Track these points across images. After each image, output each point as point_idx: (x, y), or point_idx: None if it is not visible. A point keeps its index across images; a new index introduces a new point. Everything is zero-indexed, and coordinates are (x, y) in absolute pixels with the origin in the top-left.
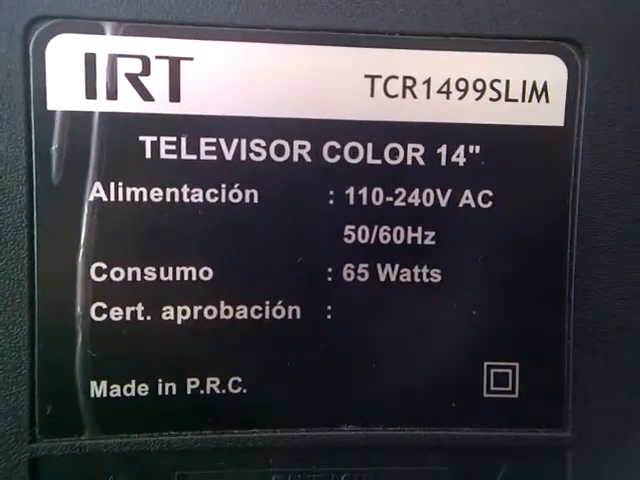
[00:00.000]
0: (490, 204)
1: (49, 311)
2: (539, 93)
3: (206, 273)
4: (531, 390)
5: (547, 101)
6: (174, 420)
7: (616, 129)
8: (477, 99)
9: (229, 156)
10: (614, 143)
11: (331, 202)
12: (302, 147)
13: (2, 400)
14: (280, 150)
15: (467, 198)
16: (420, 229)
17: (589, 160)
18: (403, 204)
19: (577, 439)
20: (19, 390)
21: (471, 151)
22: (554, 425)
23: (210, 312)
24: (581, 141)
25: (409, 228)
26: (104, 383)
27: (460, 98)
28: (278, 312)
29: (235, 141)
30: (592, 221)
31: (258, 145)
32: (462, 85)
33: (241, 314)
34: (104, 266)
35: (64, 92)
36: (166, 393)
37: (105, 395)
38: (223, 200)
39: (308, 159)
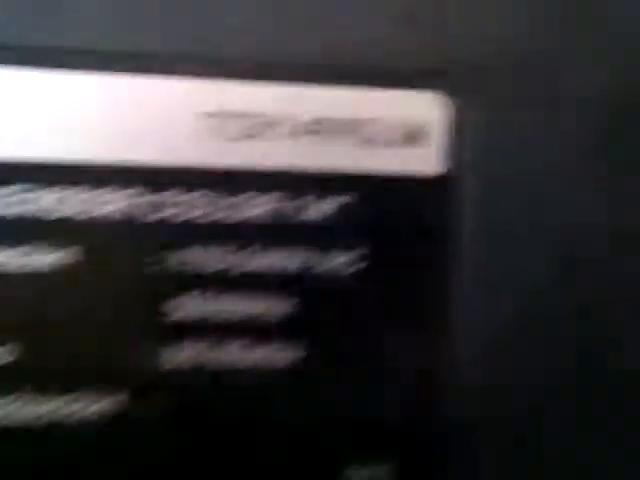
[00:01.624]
0: (355, 269)
1: None
2: (413, 136)
3: (11, 352)
4: None
5: (422, 145)
6: None
7: (504, 172)
8: (339, 142)
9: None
10: (501, 188)
11: (155, 268)
12: (110, 202)
13: None
14: (82, 204)
15: (331, 261)
16: (269, 302)
17: (474, 211)
18: (248, 270)
19: None
20: None
21: (330, 205)
22: None
23: (15, 400)
24: (466, 189)
25: (254, 301)
26: None
27: (317, 141)
28: (97, 400)
29: (39, 193)
30: (476, 293)
31: (68, 197)
32: (315, 126)
33: (52, 401)
34: None
35: None
36: None
37: None
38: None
39: (120, 216)
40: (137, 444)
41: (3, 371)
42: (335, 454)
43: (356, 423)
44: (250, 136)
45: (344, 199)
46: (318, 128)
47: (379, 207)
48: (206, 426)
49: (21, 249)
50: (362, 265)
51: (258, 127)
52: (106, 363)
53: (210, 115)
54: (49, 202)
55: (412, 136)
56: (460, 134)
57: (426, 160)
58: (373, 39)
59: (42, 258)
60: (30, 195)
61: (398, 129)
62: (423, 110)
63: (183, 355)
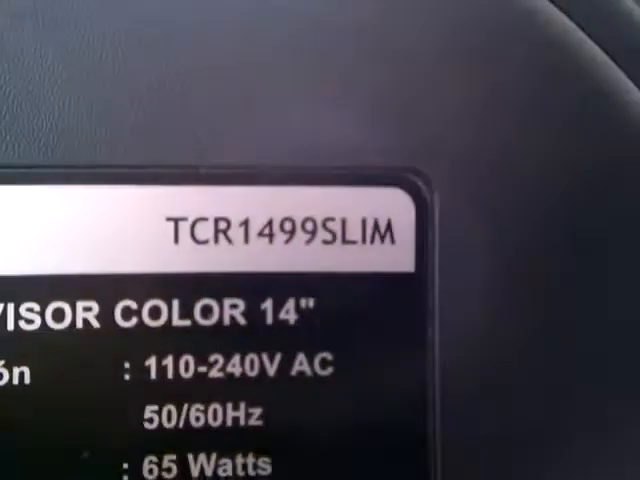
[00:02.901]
0: (330, 370)
1: None
2: (382, 233)
3: None
4: None
5: (393, 242)
6: None
7: (475, 274)
8: (307, 242)
9: None
10: (473, 289)
11: (127, 377)
12: (88, 309)
13: None
14: (59, 315)
15: (301, 364)
16: (243, 406)
17: (447, 312)
18: (220, 375)
19: None
20: None
21: (303, 305)
22: None
23: None
24: (436, 289)
25: (229, 405)
26: None
27: (286, 241)
28: None
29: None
30: (458, 395)
31: (30, 310)
32: (288, 226)
33: None
34: None
35: None
36: None
37: None
38: None
39: (96, 324)
40: None
41: None
42: None
43: None
44: (217, 239)
45: (312, 300)
46: (289, 228)
47: (347, 308)
48: None
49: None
50: (332, 370)
51: (225, 230)
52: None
53: (178, 219)
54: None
55: (380, 234)
56: (427, 231)
57: (395, 258)
58: (342, 141)
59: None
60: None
61: (367, 227)
62: (391, 207)
63: (161, 466)
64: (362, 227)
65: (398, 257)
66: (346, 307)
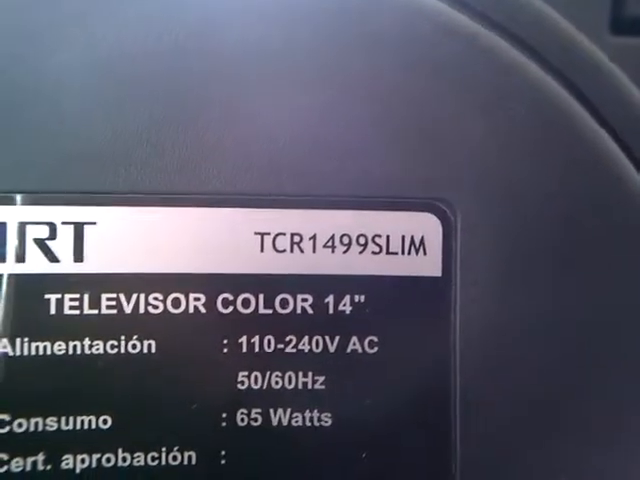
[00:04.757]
0: (376, 349)
1: None
2: (417, 246)
3: (105, 421)
4: None
5: (425, 253)
6: None
7: (488, 277)
8: (360, 252)
9: (128, 310)
10: (487, 289)
11: (225, 350)
12: (197, 299)
13: None
14: (176, 303)
15: (354, 344)
16: (310, 374)
17: (466, 306)
18: (294, 350)
19: None
20: None
21: (356, 300)
22: None
23: (108, 460)
24: (458, 289)
25: (300, 373)
26: None
27: (344, 252)
28: (174, 458)
29: (134, 296)
30: (473, 368)
31: (156, 299)
32: (346, 240)
33: (138, 461)
34: (7, 418)
35: None
36: None
37: None
38: (122, 351)
39: (203, 310)
40: None
41: (99, 435)
42: None
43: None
44: (292, 249)
45: (363, 296)
46: (347, 242)
47: (389, 302)
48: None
49: (112, 342)
50: (377, 349)
51: (298, 242)
52: (181, 428)
53: (263, 234)
54: (144, 302)
55: (415, 247)
56: (451, 245)
57: (426, 266)
58: (389, 177)
59: (130, 348)
60: (124, 298)
61: (405, 242)
62: (424, 227)
63: (250, 416)
64: (402, 242)
65: (429, 264)
66: (389, 301)
